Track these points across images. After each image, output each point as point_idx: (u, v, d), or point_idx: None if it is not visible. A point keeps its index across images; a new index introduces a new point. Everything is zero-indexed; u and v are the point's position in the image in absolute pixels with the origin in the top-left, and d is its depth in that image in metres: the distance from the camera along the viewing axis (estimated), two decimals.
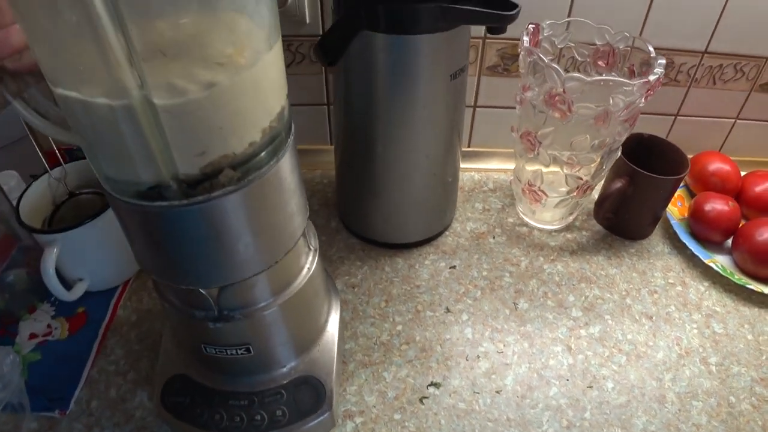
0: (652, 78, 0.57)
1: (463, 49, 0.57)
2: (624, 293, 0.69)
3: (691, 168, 0.70)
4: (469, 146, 0.87)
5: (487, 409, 0.57)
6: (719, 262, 0.72)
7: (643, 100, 0.58)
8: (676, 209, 0.79)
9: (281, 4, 0.68)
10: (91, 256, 0.62)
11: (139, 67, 0.29)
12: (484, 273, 0.70)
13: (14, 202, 0.61)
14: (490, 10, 0.49)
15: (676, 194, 0.73)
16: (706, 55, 0.77)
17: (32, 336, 0.61)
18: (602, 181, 0.76)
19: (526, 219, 0.78)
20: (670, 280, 0.71)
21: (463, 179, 0.84)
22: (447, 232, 0.76)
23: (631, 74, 0.65)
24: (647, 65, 0.62)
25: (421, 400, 0.57)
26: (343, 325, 0.62)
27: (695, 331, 0.65)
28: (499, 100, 0.81)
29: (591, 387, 0.59)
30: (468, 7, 0.49)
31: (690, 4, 0.71)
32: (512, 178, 0.77)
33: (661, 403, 0.58)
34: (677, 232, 0.74)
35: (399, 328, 0.64)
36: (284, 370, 0.51)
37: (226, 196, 0.36)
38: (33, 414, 0.54)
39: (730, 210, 0.73)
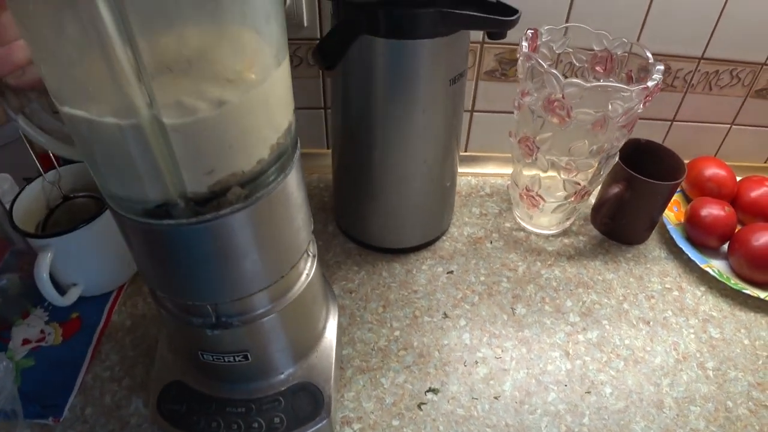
0: (650, 84, 0.57)
1: (463, 54, 0.57)
2: (621, 298, 0.69)
3: (687, 173, 0.70)
4: (466, 151, 0.87)
5: (486, 415, 0.56)
6: (715, 267, 0.72)
7: (641, 105, 0.59)
8: (673, 214, 0.79)
9: None
10: (86, 261, 0.61)
11: (149, 84, 0.29)
12: (482, 278, 0.70)
13: (7, 206, 0.60)
14: (490, 16, 0.49)
15: (672, 199, 0.74)
16: (702, 61, 0.77)
17: (25, 341, 0.60)
18: (599, 187, 0.76)
19: (523, 224, 0.78)
20: (667, 285, 0.71)
21: (460, 184, 0.84)
22: (444, 237, 0.76)
23: (629, 80, 0.65)
24: (645, 71, 0.63)
25: (419, 406, 0.57)
26: (341, 330, 0.62)
27: (692, 336, 0.65)
28: (497, 104, 0.81)
29: (589, 392, 0.59)
30: (468, 13, 0.49)
31: (687, 11, 0.72)
32: (509, 182, 0.77)
33: (659, 409, 0.58)
34: (674, 237, 0.74)
35: (397, 333, 0.63)
36: (282, 376, 0.51)
37: (233, 214, 0.36)
38: (26, 421, 0.53)
39: (726, 215, 0.73)
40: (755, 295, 0.68)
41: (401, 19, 0.51)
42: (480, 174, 0.86)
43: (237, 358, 0.47)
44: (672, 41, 0.75)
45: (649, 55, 0.62)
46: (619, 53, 0.65)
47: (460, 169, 0.73)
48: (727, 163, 0.81)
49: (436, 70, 0.56)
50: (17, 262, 0.64)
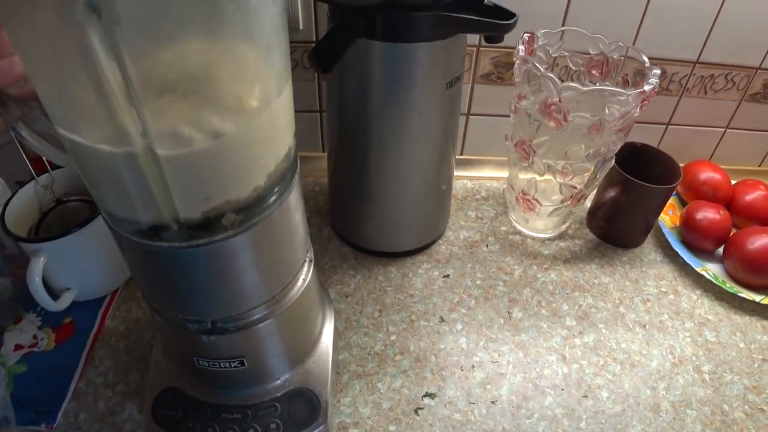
0: (647, 88, 0.57)
1: (460, 57, 0.57)
2: (617, 302, 0.69)
3: (682, 177, 0.70)
4: (461, 154, 0.87)
5: (483, 419, 0.56)
6: (711, 270, 0.72)
7: (638, 109, 0.59)
8: (668, 218, 0.79)
9: None
10: (79, 266, 0.61)
11: (141, 112, 0.28)
12: (478, 282, 0.70)
13: None
14: (487, 19, 0.49)
15: (667, 203, 0.74)
16: (697, 65, 0.78)
17: (18, 347, 0.59)
18: (595, 190, 0.76)
19: (519, 227, 0.78)
20: (663, 289, 0.71)
21: (456, 187, 0.84)
22: (440, 241, 0.75)
23: (625, 83, 0.65)
24: (641, 75, 0.63)
25: (416, 411, 0.56)
26: (337, 335, 0.61)
27: (688, 339, 0.65)
28: (493, 108, 0.81)
29: (586, 396, 0.59)
30: (466, 16, 0.49)
31: (682, 15, 0.72)
32: (505, 186, 0.77)
33: (655, 412, 0.58)
34: (669, 240, 0.75)
35: (393, 338, 0.63)
36: (278, 382, 0.51)
37: (228, 239, 0.36)
38: (19, 428, 0.53)
39: (722, 219, 0.73)
40: (750, 298, 0.68)
41: (399, 23, 0.51)
42: (476, 177, 0.86)
43: (233, 364, 0.46)
44: (667, 45, 0.75)
45: (646, 58, 0.62)
46: (615, 57, 0.66)
47: (455, 173, 0.73)
48: (722, 167, 0.81)
49: (433, 73, 0.55)
50: (9, 267, 0.63)
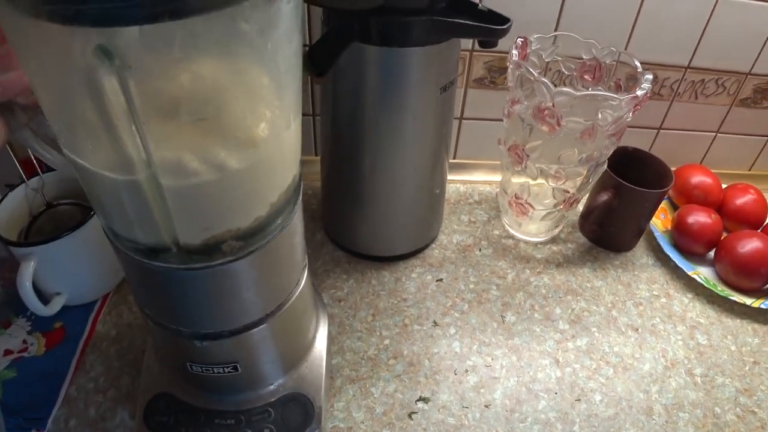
0: (639, 93, 0.57)
1: (453, 62, 0.57)
2: (610, 305, 0.69)
3: (674, 181, 0.70)
4: (454, 158, 0.87)
5: (477, 423, 0.56)
6: (702, 273, 0.73)
7: (630, 114, 0.59)
8: (660, 222, 0.79)
9: None
10: (70, 270, 0.60)
11: (146, 142, 0.28)
12: (471, 286, 0.70)
13: None
14: (482, 24, 0.49)
15: (659, 207, 0.74)
16: (688, 70, 0.78)
17: (7, 352, 0.59)
18: (588, 194, 0.76)
19: (512, 231, 0.78)
20: (655, 292, 0.72)
21: (449, 191, 0.84)
22: (433, 245, 0.75)
23: (618, 88, 0.66)
24: (633, 80, 0.63)
25: (409, 416, 0.56)
26: (331, 340, 0.61)
27: (680, 342, 0.66)
28: (486, 112, 0.81)
29: (579, 400, 0.59)
30: (460, 21, 0.49)
31: (674, 21, 0.73)
32: (498, 190, 0.77)
33: (648, 416, 0.58)
34: (661, 244, 0.75)
35: (386, 342, 0.63)
36: (272, 387, 0.50)
37: (227, 264, 0.36)
38: None
39: (713, 222, 0.74)
40: (741, 301, 0.69)
41: (393, 27, 0.51)
42: (469, 181, 0.86)
43: (226, 369, 0.46)
44: (659, 50, 0.76)
45: (638, 63, 0.63)
46: (607, 62, 0.66)
47: (449, 177, 0.73)
48: (712, 171, 0.82)
49: (427, 77, 0.55)
50: None
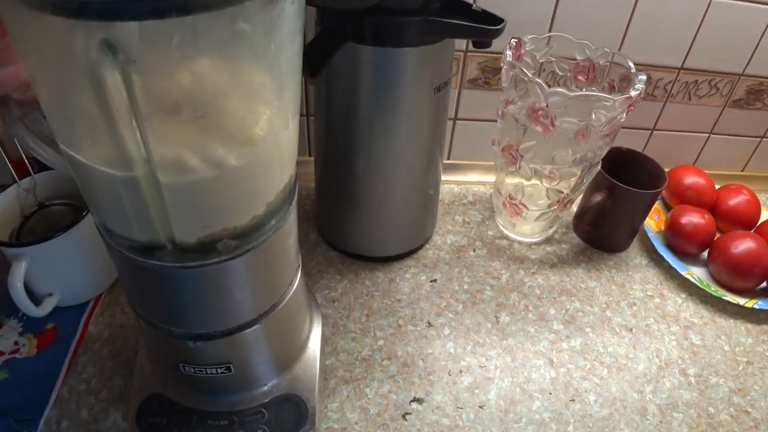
0: (633, 93, 0.57)
1: (448, 62, 0.57)
2: (604, 306, 0.69)
3: (667, 181, 0.71)
4: (448, 159, 0.87)
5: (471, 424, 0.56)
6: (696, 274, 0.73)
7: (624, 115, 0.59)
8: (653, 222, 0.80)
9: None
10: (62, 271, 0.60)
11: (146, 139, 0.28)
12: (465, 286, 0.70)
13: None
14: (476, 24, 0.49)
15: (653, 207, 0.74)
16: (682, 71, 0.79)
17: None
18: (582, 195, 0.76)
19: (506, 232, 0.78)
20: (649, 293, 0.72)
21: (443, 192, 0.84)
22: (427, 245, 0.75)
23: (611, 89, 0.66)
24: (627, 80, 0.63)
25: (404, 417, 0.56)
26: (324, 340, 0.61)
27: (674, 342, 0.66)
28: (479, 113, 0.81)
29: (573, 400, 0.59)
30: (454, 21, 0.49)
31: (667, 22, 0.73)
32: (492, 191, 0.77)
33: (642, 416, 0.58)
34: (654, 244, 0.75)
35: (380, 342, 0.63)
36: (265, 388, 0.50)
37: (222, 263, 0.36)
38: None
39: (706, 223, 0.74)
40: (735, 301, 0.69)
41: (387, 27, 0.51)
42: (463, 182, 0.87)
43: (219, 370, 0.46)
44: (652, 51, 0.76)
45: (632, 64, 0.63)
46: (601, 63, 0.66)
47: (442, 177, 0.73)
48: (706, 172, 0.82)
49: (421, 78, 0.55)
50: None
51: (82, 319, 0.62)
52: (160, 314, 0.42)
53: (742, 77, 0.80)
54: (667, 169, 0.72)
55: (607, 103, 0.57)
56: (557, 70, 0.70)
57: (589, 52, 0.66)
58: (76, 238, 0.57)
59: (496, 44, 0.56)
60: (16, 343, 0.59)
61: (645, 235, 0.78)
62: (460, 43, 0.73)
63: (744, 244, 0.70)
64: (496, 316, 0.67)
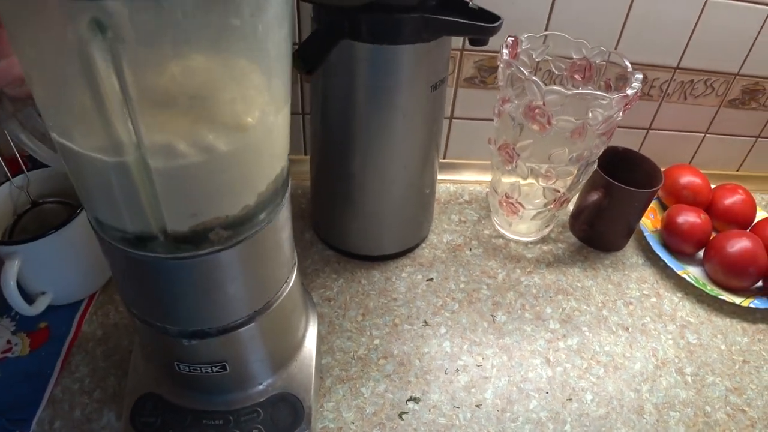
0: (630, 92, 0.57)
1: (444, 60, 0.57)
2: (600, 305, 0.69)
3: (663, 181, 0.71)
4: (445, 158, 0.87)
5: (468, 423, 0.56)
6: (692, 273, 0.73)
7: (620, 113, 0.59)
8: (649, 221, 0.80)
9: None
10: (55, 269, 0.59)
11: (137, 126, 0.28)
12: (462, 285, 0.70)
13: None
14: (473, 22, 0.49)
15: (649, 206, 0.74)
16: (678, 70, 0.79)
17: None
18: (578, 194, 0.76)
19: (503, 231, 0.78)
20: (645, 292, 0.72)
21: (439, 191, 0.83)
22: (423, 244, 0.75)
23: (608, 88, 0.66)
24: (623, 79, 0.63)
25: (400, 416, 0.56)
26: (320, 339, 0.61)
27: (670, 341, 0.66)
28: (476, 111, 0.81)
29: (570, 399, 0.59)
30: (451, 19, 0.49)
31: (663, 22, 0.73)
32: (488, 190, 0.77)
33: (639, 415, 0.58)
34: (650, 243, 0.75)
35: (376, 342, 0.62)
36: (261, 387, 0.50)
37: (214, 254, 0.35)
38: None
39: (702, 222, 0.74)
40: (731, 300, 0.69)
41: (384, 24, 0.51)
42: (459, 181, 0.86)
43: (215, 369, 0.45)
44: (648, 51, 0.76)
45: (628, 63, 0.63)
46: (597, 62, 0.66)
47: (438, 176, 0.73)
48: (701, 171, 0.82)
49: (418, 76, 0.55)
50: None
51: (76, 318, 0.62)
52: (154, 311, 0.41)
53: (737, 77, 0.80)
54: (663, 169, 0.72)
55: (604, 102, 0.57)
56: (553, 69, 0.70)
57: (586, 51, 0.66)
58: (70, 236, 0.57)
59: (493, 43, 0.56)
60: (8, 342, 0.59)
61: (641, 234, 0.78)
62: (457, 42, 0.73)
63: (740, 244, 0.70)
64: (492, 316, 0.67)
